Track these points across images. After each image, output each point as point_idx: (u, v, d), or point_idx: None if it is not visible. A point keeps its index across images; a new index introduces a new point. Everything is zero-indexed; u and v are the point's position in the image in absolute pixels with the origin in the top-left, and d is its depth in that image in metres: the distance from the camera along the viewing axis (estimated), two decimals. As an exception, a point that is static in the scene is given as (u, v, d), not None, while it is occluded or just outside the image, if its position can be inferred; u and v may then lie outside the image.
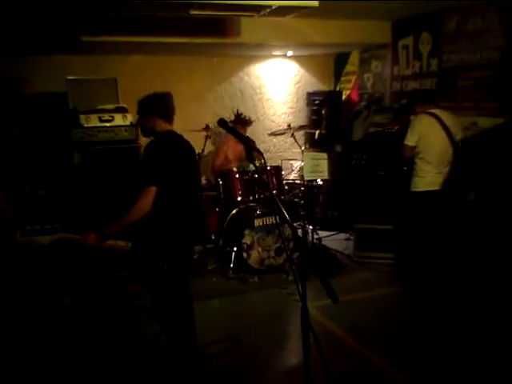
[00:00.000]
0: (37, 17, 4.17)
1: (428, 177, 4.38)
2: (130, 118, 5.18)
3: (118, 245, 2.82)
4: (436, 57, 5.54)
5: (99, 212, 4.89)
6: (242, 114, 5.87)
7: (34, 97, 3.38)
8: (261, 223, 4.99)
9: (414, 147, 4.38)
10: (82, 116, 5.07)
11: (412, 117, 4.53)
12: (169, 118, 3.15)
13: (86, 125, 5.05)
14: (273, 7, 3.98)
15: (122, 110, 5.26)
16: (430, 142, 4.36)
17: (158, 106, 3.12)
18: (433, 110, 4.40)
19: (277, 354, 3.58)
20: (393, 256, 5.07)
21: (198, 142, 5.83)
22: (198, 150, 5.71)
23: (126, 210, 2.78)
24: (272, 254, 5.04)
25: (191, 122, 5.91)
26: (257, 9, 4.06)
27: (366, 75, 6.89)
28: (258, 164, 2.17)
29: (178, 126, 4.65)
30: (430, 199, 4.38)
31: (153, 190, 2.77)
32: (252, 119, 5.98)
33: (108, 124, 5.13)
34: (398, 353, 3.44)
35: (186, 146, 3.17)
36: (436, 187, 4.37)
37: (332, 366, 2.06)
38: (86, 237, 2.74)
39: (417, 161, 4.44)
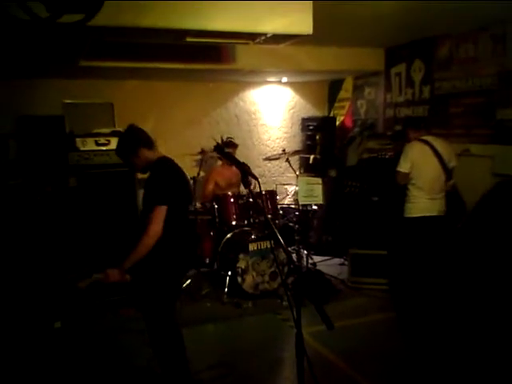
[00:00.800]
0: (36, 42, 4.23)
1: (420, 203, 4.41)
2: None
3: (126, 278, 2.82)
4: (428, 84, 5.64)
5: (94, 237, 4.90)
6: (228, 138, 5.95)
7: None
8: (255, 247, 4.98)
9: (408, 174, 4.43)
10: (78, 139, 5.10)
11: (406, 144, 4.59)
12: (152, 145, 3.16)
13: (82, 148, 5.08)
14: (267, 35, 4.05)
15: (118, 134, 5.27)
16: (422, 168, 4.40)
17: (139, 138, 3.13)
18: (425, 137, 4.46)
19: (271, 380, 3.54)
20: (386, 281, 5.06)
21: (192, 166, 5.88)
22: (193, 174, 5.77)
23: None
24: (266, 278, 5.01)
25: (186, 146, 5.96)
26: (252, 37, 4.13)
27: (359, 101, 6.99)
28: (252, 188, 2.18)
29: (173, 150, 4.70)
30: (422, 225, 4.40)
31: (163, 210, 2.80)
32: (236, 142, 6.03)
33: (104, 148, 5.16)
34: (391, 379, 3.41)
35: (180, 169, 3.21)
36: (429, 213, 4.39)
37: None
38: (110, 274, 2.74)
39: (409, 187, 4.47)
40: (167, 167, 3.06)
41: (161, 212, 2.79)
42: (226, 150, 2.61)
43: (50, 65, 5.08)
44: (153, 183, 2.95)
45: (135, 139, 3.10)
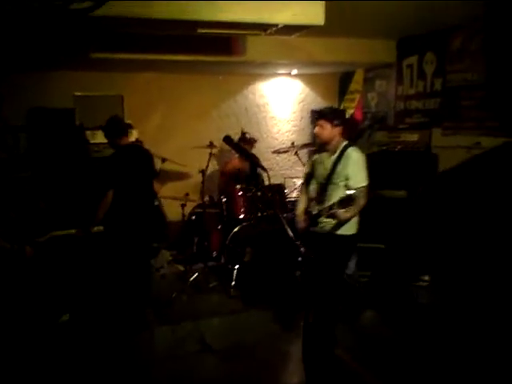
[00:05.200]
0: (47, 33, 4.22)
1: None
2: (135, 135, 5.21)
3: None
4: (440, 76, 5.56)
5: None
6: (246, 133, 5.89)
7: None
8: (264, 241, 4.96)
9: None
10: (88, 132, 5.10)
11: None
12: (121, 134, 4.24)
13: (92, 141, 5.09)
14: (279, 26, 4.01)
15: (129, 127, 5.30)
16: None
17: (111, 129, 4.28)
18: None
19: (279, 373, 3.55)
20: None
21: (201, 159, 5.87)
22: (201, 167, 5.76)
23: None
24: (275, 272, 4.99)
25: (196, 139, 5.94)
26: (263, 27, 4.08)
27: (369, 94, 6.92)
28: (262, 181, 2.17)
29: (182, 142, 4.69)
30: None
31: (110, 193, 4.01)
32: (256, 138, 6.00)
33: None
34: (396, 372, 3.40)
35: (142, 155, 4.37)
36: None
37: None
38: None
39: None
40: (118, 154, 4.18)
41: (108, 195, 4.02)
42: (242, 144, 2.62)
43: (61, 57, 5.07)
44: (105, 170, 4.16)
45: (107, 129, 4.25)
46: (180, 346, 3.94)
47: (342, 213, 3.22)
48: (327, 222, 3.40)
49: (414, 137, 5.28)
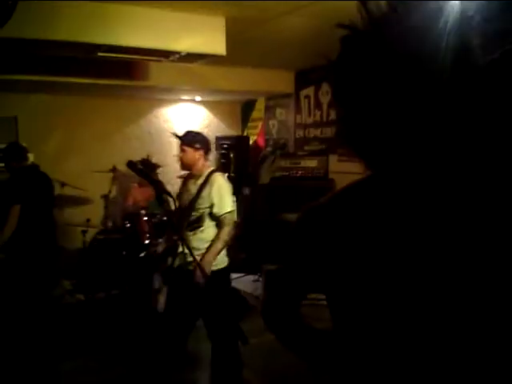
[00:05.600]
0: None
1: None
2: (31, 158, 4.93)
3: None
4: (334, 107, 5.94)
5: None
6: (148, 159, 5.85)
7: None
8: (169, 266, 4.90)
9: None
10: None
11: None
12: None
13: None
14: (182, 53, 4.08)
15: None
16: None
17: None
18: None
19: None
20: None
21: (103, 184, 5.70)
22: (104, 192, 5.60)
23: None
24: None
25: (97, 163, 5.77)
26: (165, 54, 4.14)
27: (271, 122, 7.21)
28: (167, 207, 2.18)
29: (83, 166, 4.55)
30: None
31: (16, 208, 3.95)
32: (160, 164, 5.97)
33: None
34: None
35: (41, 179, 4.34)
36: None
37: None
38: None
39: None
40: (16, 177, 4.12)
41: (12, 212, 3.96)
42: (145, 169, 2.60)
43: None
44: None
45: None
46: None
47: (211, 253, 3.08)
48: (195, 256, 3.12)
49: (313, 163, 5.58)
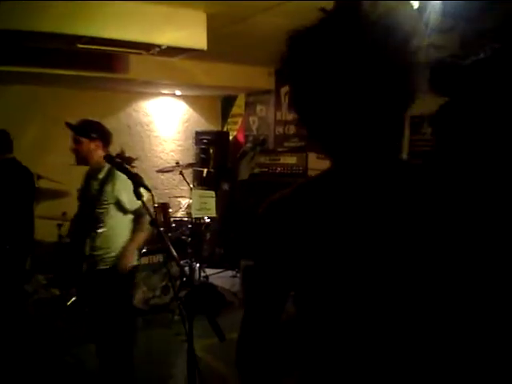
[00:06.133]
0: None
1: None
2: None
3: None
4: (315, 104, 5.98)
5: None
6: (122, 153, 5.79)
7: None
8: (146, 261, 4.88)
9: None
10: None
11: None
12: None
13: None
14: (162, 47, 4.06)
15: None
16: None
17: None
18: None
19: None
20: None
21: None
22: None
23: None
24: (158, 293, 4.92)
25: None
26: (145, 47, 4.11)
27: (251, 118, 7.21)
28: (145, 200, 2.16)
29: (60, 159, 4.50)
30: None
31: None
32: (135, 157, 5.92)
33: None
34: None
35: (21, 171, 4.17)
36: None
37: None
38: None
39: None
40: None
41: None
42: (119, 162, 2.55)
43: None
44: None
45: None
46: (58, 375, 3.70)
47: (135, 242, 2.96)
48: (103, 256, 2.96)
49: (292, 159, 5.60)
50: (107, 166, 2.97)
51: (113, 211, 2.95)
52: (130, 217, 3.01)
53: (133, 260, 2.99)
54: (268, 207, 1.11)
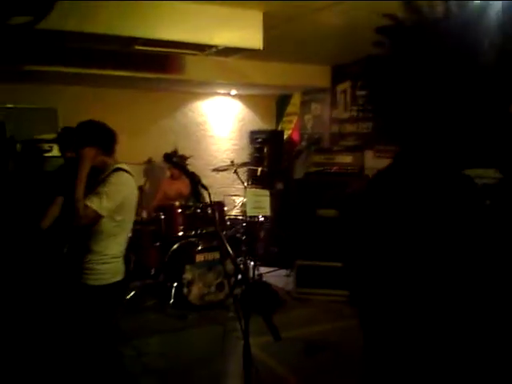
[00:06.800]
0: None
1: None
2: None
3: None
4: (372, 102, 5.85)
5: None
6: (176, 151, 5.93)
7: None
8: (202, 259, 4.96)
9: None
10: (19, 145, 4.92)
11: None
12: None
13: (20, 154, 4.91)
14: (218, 47, 4.10)
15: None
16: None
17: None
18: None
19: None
20: (332, 292, 5.15)
21: (138, 176, 5.78)
22: (139, 184, 5.67)
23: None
24: (213, 289, 5.00)
25: (132, 155, 5.85)
26: (201, 48, 4.16)
27: (306, 116, 7.16)
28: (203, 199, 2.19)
29: (118, 158, 4.60)
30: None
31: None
32: (187, 156, 6.05)
33: (46, 154, 5.01)
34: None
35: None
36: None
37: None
38: None
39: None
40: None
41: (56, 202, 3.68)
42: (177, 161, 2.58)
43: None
44: None
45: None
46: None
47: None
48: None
49: (348, 158, 5.51)
50: (110, 169, 2.83)
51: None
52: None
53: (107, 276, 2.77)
54: (348, 201, 1.23)
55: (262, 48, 4.13)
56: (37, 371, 3.36)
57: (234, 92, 7.24)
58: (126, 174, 2.85)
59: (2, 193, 4.83)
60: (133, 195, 2.90)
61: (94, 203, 2.59)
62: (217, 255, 5.00)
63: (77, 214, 2.58)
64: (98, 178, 2.79)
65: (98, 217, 2.63)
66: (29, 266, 3.99)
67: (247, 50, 4.27)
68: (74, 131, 2.98)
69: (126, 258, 3.97)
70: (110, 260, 2.76)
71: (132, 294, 5.06)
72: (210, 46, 4.10)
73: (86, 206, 2.59)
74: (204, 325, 4.67)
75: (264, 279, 5.77)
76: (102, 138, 2.88)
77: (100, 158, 2.83)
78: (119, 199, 2.70)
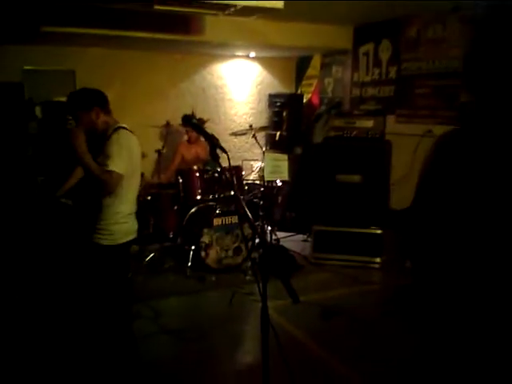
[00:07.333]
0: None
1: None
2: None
3: None
4: (395, 64, 5.69)
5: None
6: (194, 115, 5.87)
7: None
8: (220, 222, 4.98)
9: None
10: (37, 107, 4.92)
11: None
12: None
13: (41, 116, 4.91)
14: (237, 7, 3.98)
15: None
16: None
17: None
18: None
19: (234, 353, 3.58)
20: (349, 258, 5.16)
21: (154, 138, 5.77)
22: (157, 147, 5.68)
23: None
24: (230, 253, 5.03)
25: (150, 118, 5.85)
26: (221, 7, 4.05)
27: (326, 80, 7.00)
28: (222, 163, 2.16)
29: (137, 120, 4.58)
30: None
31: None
32: (205, 119, 6.00)
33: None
34: (355, 356, 3.50)
35: None
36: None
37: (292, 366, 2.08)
38: None
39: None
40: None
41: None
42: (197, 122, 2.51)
43: (10, 30, 4.84)
44: None
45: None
46: (134, 326, 3.90)
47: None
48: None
49: (369, 123, 5.39)
50: (111, 130, 2.81)
51: None
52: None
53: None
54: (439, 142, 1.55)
55: (282, 7, 4.00)
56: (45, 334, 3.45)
57: (252, 54, 7.09)
58: (128, 132, 2.86)
59: (23, 156, 4.87)
60: (137, 152, 2.92)
61: (114, 166, 2.62)
62: (234, 219, 5.01)
63: (107, 184, 2.63)
64: (102, 139, 2.80)
65: (121, 177, 2.68)
66: (43, 226, 4.06)
67: (267, 10, 4.14)
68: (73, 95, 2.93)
69: (145, 220, 4.00)
70: (121, 220, 2.82)
71: (151, 256, 5.13)
72: (230, 6, 3.99)
73: (110, 172, 2.62)
74: (221, 287, 4.72)
75: (281, 244, 5.79)
76: (98, 98, 2.89)
77: (103, 119, 2.85)
78: (126, 156, 2.73)
